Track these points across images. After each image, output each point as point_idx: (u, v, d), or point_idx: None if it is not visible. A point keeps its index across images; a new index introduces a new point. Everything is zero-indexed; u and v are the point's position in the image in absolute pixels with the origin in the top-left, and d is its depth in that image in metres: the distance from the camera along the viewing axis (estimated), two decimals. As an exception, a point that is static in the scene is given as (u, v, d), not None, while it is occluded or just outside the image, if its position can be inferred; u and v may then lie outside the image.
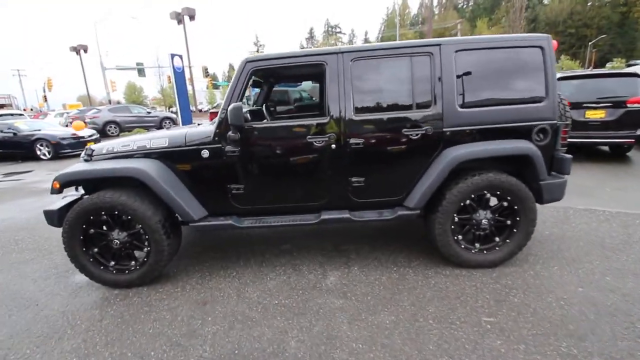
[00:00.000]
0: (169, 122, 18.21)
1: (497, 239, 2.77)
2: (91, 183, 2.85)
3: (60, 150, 10.88)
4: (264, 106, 3.64)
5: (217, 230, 2.74)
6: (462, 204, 2.64)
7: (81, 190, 2.98)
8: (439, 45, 2.58)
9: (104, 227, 2.67)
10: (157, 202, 2.63)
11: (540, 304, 2.29)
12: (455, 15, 58.54)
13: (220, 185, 2.74)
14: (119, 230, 2.67)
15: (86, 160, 2.83)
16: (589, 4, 47.88)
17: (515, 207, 2.68)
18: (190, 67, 21.82)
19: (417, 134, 2.61)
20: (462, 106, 2.61)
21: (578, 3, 48.00)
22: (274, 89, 4.30)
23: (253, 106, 3.91)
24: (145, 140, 2.75)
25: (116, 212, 2.58)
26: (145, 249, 2.69)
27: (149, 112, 18.85)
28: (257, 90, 4.17)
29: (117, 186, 2.69)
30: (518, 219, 2.70)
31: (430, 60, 2.58)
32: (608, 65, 32.16)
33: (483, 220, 2.70)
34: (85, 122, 16.83)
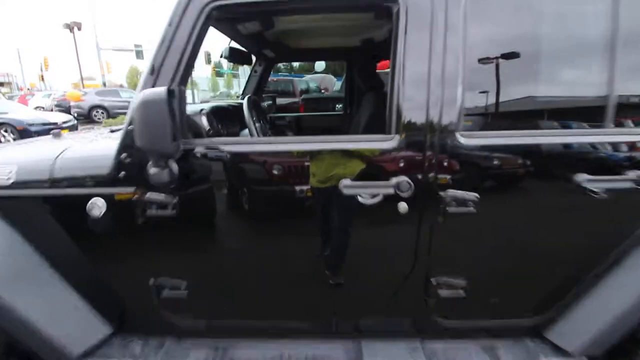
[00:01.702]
0: (163, 110, 16.61)
1: None
2: None
3: (27, 137, 9.41)
4: (247, 100, 1.76)
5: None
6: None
7: None
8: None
9: None
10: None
11: None
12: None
13: (135, 277, 1.22)
14: None
15: None
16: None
17: None
18: (188, 51, 20.06)
19: (606, 189, 1.06)
20: None
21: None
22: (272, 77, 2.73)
23: (239, 97, 2.32)
24: None
25: None
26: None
27: (141, 98, 17.26)
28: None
29: None
30: None
31: None
32: None
33: None
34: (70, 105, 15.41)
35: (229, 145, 1.09)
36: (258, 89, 2.40)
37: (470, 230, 1.11)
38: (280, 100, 7.82)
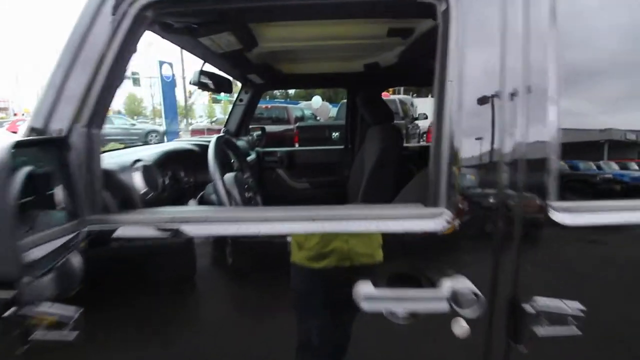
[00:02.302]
0: (155, 136, 16.49)
1: None
2: None
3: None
4: (213, 144, 1.02)
5: None
6: None
7: None
8: None
9: None
10: None
11: None
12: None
13: None
14: None
15: None
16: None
17: None
18: (183, 78, 20.06)
19: None
20: None
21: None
22: (260, 104, 2.35)
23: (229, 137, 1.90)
24: None
25: None
26: None
27: (134, 124, 17.28)
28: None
29: None
30: None
31: None
32: None
33: None
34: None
35: (173, 223, 0.67)
36: (243, 121, 2.02)
37: (570, 361, 0.68)
38: (274, 128, 7.49)
